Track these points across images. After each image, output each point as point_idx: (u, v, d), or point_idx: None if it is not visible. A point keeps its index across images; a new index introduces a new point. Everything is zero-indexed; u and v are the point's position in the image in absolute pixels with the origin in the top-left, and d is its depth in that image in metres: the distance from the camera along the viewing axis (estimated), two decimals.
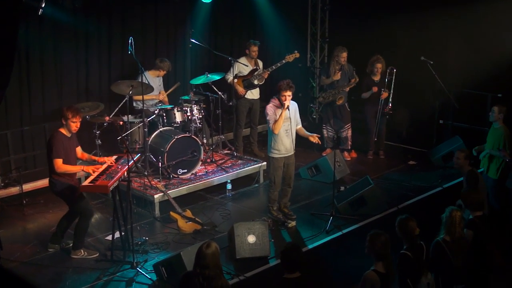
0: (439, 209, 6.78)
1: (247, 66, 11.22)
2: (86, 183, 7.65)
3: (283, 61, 10.99)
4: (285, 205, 9.11)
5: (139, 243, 8.20)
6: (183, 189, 9.65)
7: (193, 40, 10.93)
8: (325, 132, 11.95)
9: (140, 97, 9.78)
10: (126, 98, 9.61)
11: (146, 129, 9.83)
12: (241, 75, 11.23)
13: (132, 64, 10.28)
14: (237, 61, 11.13)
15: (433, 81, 11.58)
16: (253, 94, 11.47)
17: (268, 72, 11.17)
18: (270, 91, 10.70)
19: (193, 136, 10.13)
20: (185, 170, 10.00)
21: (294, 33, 13.58)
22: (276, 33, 13.25)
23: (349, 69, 11.59)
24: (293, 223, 8.96)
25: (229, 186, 10.14)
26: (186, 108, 10.39)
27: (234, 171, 10.42)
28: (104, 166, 8.00)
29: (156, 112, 10.16)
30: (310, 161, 11.12)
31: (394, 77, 11.38)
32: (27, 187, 9.68)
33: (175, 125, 10.32)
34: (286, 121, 8.60)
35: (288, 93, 8.47)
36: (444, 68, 11.81)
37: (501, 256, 7.82)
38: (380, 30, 12.40)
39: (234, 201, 9.95)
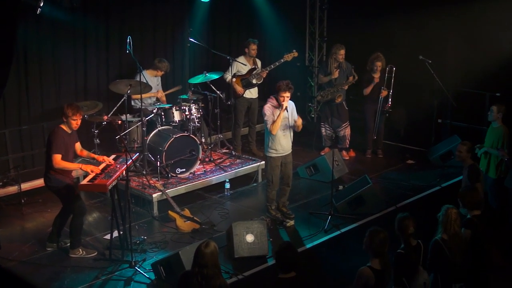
0: (437, 209, 6.78)
1: (245, 65, 11.22)
2: (84, 182, 7.66)
3: (282, 60, 10.99)
4: (283, 204, 9.11)
5: (138, 242, 8.20)
6: (181, 188, 9.65)
7: (192, 39, 10.93)
8: (323, 130, 11.95)
9: (138, 96, 9.79)
10: (124, 97, 9.61)
11: (144, 128, 9.83)
12: (240, 74, 11.24)
13: (130, 63, 10.28)
14: (236, 60, 11.13)
15: (432, 80, 11.58)
16: (252, 93, 11.47)
17: (267, 71, 11.17)
18: (269, 90, 10.70)
19: (191, 135, 10.13)
20: (184, 169, 10.00)
21: (292, 32, 13.58)
22: (274, 32, 13.23)
23: (347, 67, 11.59)
24: (292, 222, 8.96)
25: (227, 185, 10.14)
26: (184, 107, 10.39)
27: (233, 170, 10.42)
28: (102, 165, 8.00)
29: (154, 111, 10.16)
30: (308, 160, 11.13)
31: (393, 75, 11.39)
32: (26, 186, 9.67)
33: (174, 124, 10.32)
34: (284, 120, 8.59)
35: (287, 94, 8.47)
36: (442, 67, 11.81)
37: (500, 255, 7.84)
38: (378, 29, 12.40)
39: (233, 200, 9.95)
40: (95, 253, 8.03)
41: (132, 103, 10.49)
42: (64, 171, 7.88)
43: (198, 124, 10.60)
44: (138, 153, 9.22)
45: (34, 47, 10.11)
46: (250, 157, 11.08)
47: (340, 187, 10.10)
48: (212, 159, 10.72)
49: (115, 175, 7.64)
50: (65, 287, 7.30)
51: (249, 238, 7.90)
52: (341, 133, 11.78)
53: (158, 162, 9.68)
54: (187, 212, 9.02)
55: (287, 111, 8.57)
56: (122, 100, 9.68)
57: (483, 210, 7.14)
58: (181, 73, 12.18)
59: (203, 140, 10.94)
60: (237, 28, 13.20)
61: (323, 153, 11.44)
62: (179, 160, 9.87)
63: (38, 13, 9.16)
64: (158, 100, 10.71)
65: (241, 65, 11.19)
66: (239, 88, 11.23)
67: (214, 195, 10.06)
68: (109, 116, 9.83)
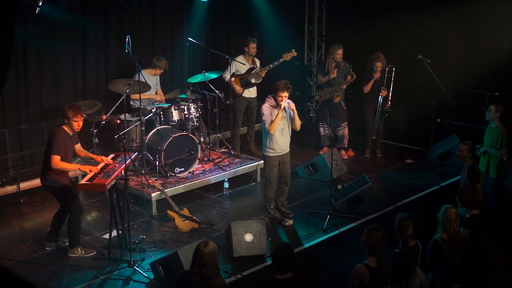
0: (436, 208, 6.78)
1: (244, 64, 11.22)
2: (83, 181, 7.67)
3: (281, 60, 11.00)
4: (282, 203, 9.11)
5: (136, 241, 8.20)
6: (180, 188, 9.65)
7: (190, 39, 10.94)
8: (322, 130, 11.96)
9: (137, 97, 9.79)
10: (123, 97, 9.61)
11: (143, 128, 9.84)
12: (239, 73, 11.24)
13: (129, 62, 10.27)
14: (235, 60, 11.14)
15: (430, 80, 11.58)
16: (250, 92, 11.48)
17: (266, 71, 11.18)
18: (267, 90, 10.69)
19: (190, 134, 10.14)
20: (182, 169, 10.00)
21: (291, 31, 13.58)
22: (273, 32, 13.25)
23: (345, 66, 11.59)
24: (290, 222, 8.97)
25: (226, 185, 10.13)
26: (183, 107, 10.39)
27: (231, 169, 10.42)
28: (101, 165, 8.00)
29: (153, 110, 10.16)
30: (307, 159, 11.13)
31: (393, 75, 11.39)
32: (24, 185, 9.67)
33: (172, 123, 10.32)
34: (282, 120, 8.59)
35: (285, 94, 8.46)
36: (441, 66, 11.81)
37: (499, 255, 7.83)
38: (377, 28, 12.39)
39: (231, 200, 9.95)
40: (94, 253, 8.03)
41: (131, 102, 10.49)
42: (61, 172, 7.88)
43: (197, 124, 10.60)
44: (137, 153, 9.21)
45: (33, 46, 10.12)
46: (249, 157, 11.08)
47: (339, 187, 10.11)
48: (211, 158, 10.73)
49: (114, 175, 7.64)
50: (64, 286, 7.30)
51: (248, 237, 7.91)
52: (339, 132, 11.79)
53: (157, 162, 9.68)
54: (186, 212, 9.02)
55: (285, 110, 8.58)
56: (121, 99, 9.68)
57: (481, 210, 7.14)
58: (180, 73, 12.19)
59: (202, 139, 10.95)
60: (236, 27, 13.22)
61: (322, 153, 11.45)
62: (178, 160, 9.87)
63: (37, 12, 9.18)
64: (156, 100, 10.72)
65: (240, 65, 11.19)
66: (238, 88, 11.23)
67: (213, 194, 10.06)
68: (108, 115, 9.83)
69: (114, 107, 9.97)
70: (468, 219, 6.97)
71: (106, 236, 8.18)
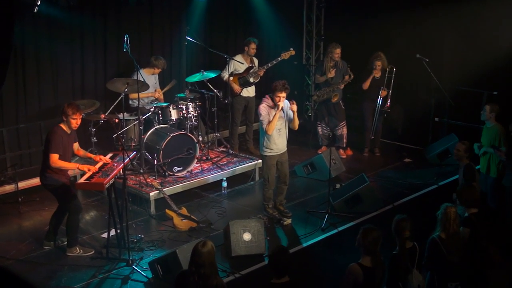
0: (434, 207, 6.79)
1: (242, 64, 11.22)
2: (82, 180, 7.66)
3: (279, 59, 10.99)
4: (280, 202, 9.11)
5: (135, 240, 8.20)
6: (178, 187, 9.65)
7: (189, 38, 10.93)
8: (320, 130, 11.97)
9: (135, 95, 9.79)
10: (121, 96, 9.61)
11: (141, 127, 9.83)
12: (237, 73, 11.24)
13: (127, 62, 10.28)
14: (233, 59, 11.14)
15: (429, 79, 11.60)
16: (249, 92, 11.48)
17: (264, 70, 11.18)
18: (266, 89, 10.72)
19: (188, 133, 10.13)
20: (181, 168, 10.00)
21: (289, 30, 13.58)
22: (271, 31, 13.25)
23: (343, 65, 11.59)
24: (289, 221, 8.97)
25: (224, 184, 10.14)
26: (181, 106, 10.39)
27: (230, 168, 10.42)
28: (99, 164, 7.99)
29: (151, 109, 10.16)
30: (305, 159, 11.13)
31: (394, 76, 11.39)
32: (23, 184, 9.67)
33: (171, 122, 10.32)
34: (279, 120, 8.59)
35: (283, 95, 8.46)
36: (439, 65, 11.83)
37: (498, 254, 7.84)
38: (375, 27, 12.40)
39: (230, 199, 9.95)
40: (92, 252, 8.03)
41: (130, 101, 10.49)
42: (60, 170, 7.88)
43: (195, 123, 10.60)
44: (135, 152, 9.22)
45: (32, 45, 10.11)
46: (247, 156, 11.08)
47: (337, 186, 10.11)
48: (209, 157, 10.73)
49: (112, 174, 7.64)
50: (63, 285, 7.29)
51: (246, 236, 7.91)
52: (338, 132, 11.79)
53: (155, 161, 9.68)
54: (184, 211, 9.02)
55: (283, 110, 8.58)
56: (120, 98, 9.68)
57: (480, 209, 7.15)
58: (178, 72, 12.18)
59: (200, 138, 10.95)
60: (234, 26, 13.21)
61: (320, 152, 11.45)
62: (176, 159, 9.87)
63: (35, 11, 9.17)
64: (156, 99, 10.72)
65: (238, 64, 11.19)
66: (236, 87, 11.23)
67: (211, 193, 10.06)
68: (106, 114, 9.83)
69: (113, 106, 9.97)
70: (468, 218, 6.98)
71: (105, 235, 8.19)
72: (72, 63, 10.72)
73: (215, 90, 10.80)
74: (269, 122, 8.50)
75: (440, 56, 12.02)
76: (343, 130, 11.78)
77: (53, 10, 9.85)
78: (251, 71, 11.20)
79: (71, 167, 8.01)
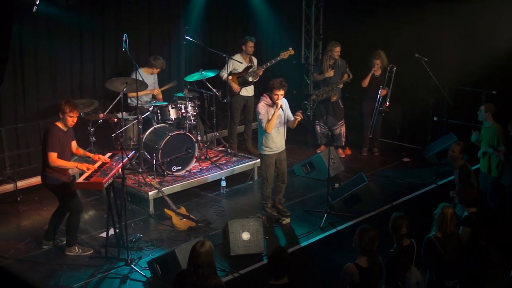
0: (433, 206, 6.80)
1: (241, 63, 11.21)
2: (80, 180, 7.66)
3: (278, 58, 11.00)
4: (279, 201, 9.11)
5: (134, 240, 8.21)
6: (177, 186, 9.65)
7: (188, 37, 10.92)
8: (318, 129, 11.96)
9: (134, 94, 9.78)
10: (120, 95, 9.61)
11: (140, 126, 9.83)
12: (236, 72, 11.23)
13: (126, 61, 10.27)
14: (232, 58, 11.14)
15: (428, 78, 11.59)
16: (248, 91, 11.48)
17: (263, 69, 11.18)
18: (265, 88, 10.68)
19: (187, 133, 10.13)
20: (180, 167, 10.00)
21: (288, 30, 13.57)
22: (270, 30, 13.25)
23: (342, 64, 11.58)
24: (288, 220, 8.98)
25: (223, 183, 10.14)
26: (180, 105, 10.40)
27: (229, 168, 10.42)
28: (98, 163, 7.99)
29: (150, 109, 10.16)
30: (304, 158, 11.13)
31: (394, 75, 11.39)
32: (22, 184, 9.66)
33: (170, 122, 10.32)
34: (278, 118, 8.59)
35: (281, 92, 8.46)
36: (438, 65, 11.81)
37: (497, 253, 7.85)
38: (374, 26, 12.38)
39: (229, 198, 9.95)
40: (91, 251, 8.03)
41: (129, 100, 10.49)
42: (60, 169, 7.88)
43: (194, 122, 10.60)
44: (134, 151, 9.22)
45: (30, 45, 10.10)
46: (246, 155, 11.08)
47: (336, 185, 10.11)
48: (208, 157, 10.72)
49: (111, 173, 7.64)
50: (61, 285, 7.29)
51: (245, 236, 7.91)
52: (336, 131, 11.78)
53: (154, 160, 9.68)
54: (183, 210, 9.02)
55: (282, 109, 8.58)
56: (118, 98, 9.68)
57: (479, 209, 7.17)
58: (177, 71, 12.18)
59: (199, 138, 10.94)
60: (233, 26, 13.21)
61: (319, 151, 11.45)
62: (175, 158, 9.87)
63: (34, 11, 9.16)
64: (154, 97, 10.72)
65: (237, 63, 11.18)
66: (235, 86, 11.23)
67: (210, 193, 10.06)
68: (105, 114, 9.82)
69: (111, 106, 9.97)
70: (468, 217, 7.00)
71: (103, 234, 8.19)
72: (71, 62, 10.72)
73: (214, 90, 10.79)
74: (268, 120, 8.50)
75: (439, 55, 12.00)
76: (341, 129, 11.77)
77: (52, 9, 9.85)
78: (250, 70, 11.20)
79: (70, 166, 8.01)
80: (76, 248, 7.99)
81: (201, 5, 11.99)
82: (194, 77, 10.71)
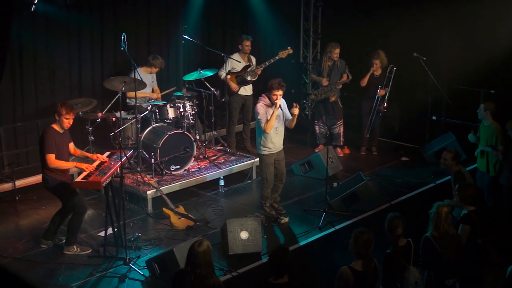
0: (431, 206, 6.81)
1: (240, 62, 11.21)
2: (79, 179, 7.65)
3: (276, 57, 11.00)
4: (275, 200, 9.11)
5: (132, 239, 8.21)
6: (175, 185, 9.65)
7: (186, 36, 10.92)
8: (317, 128, 11.95)
9: (132, 93, 9.78)
10: (118, 94, 9.61)
11: (139, 125, 9.83)
12: (234, 71, 11.24)
13: (124, 60, 10.27)
14: (230, 57, 11.14)
15: (426, 77, 11.59)
16: (246, 90, 11.48)
17: (261, 69, 11.18)
18: (263, 88, 10.67)
19: (186, 132, 10.13)
20: (178, 166, 10.00)
21: (287, 29, 13.58)
22: (269, 29, 13.25)
23: (342, 64, 11.58)
24: (286, 219, 8.98)
25: (221, 182, 10.14)
26: (179, 104, 10.39)
27: (227, 167, 10.42)
28: (96, 163, 7.99)
29: (149, 108, 10.16)
30: (302, 157, 11.12)
31: (393, 75, 11.39)
32: (20, 183, 9.65)
33: (168, 121, 10.32)
34: (276, 118, 8.59)
35: (280, 93, 8.46)
36: (436, 64, 11.82)
37: (495, 251, 7.87)
38: (373, 26, 12.39)
39: (227, 197, 9.95)
40: (90, 250, 8.04)
41: (127, 100, 10.49)
42: (60, 171, 7.87)
43: (193, 121, 10.60)
44: (132, 150, 9.22)
45: (29, 44, 10.10)
46: (245, 154, 11.08)
47: (335, 184, 10.11)
48: (206, 156, 10.72)
49: (110, 172, 7.64)
50: (60, 284, 7.29)
51: (244, 235, 7.91)
52: (335, 130, 11.78)
53: (153, 159, 9.68)
54: (181, 209, 9.02)
55: (281, 108, 8.58)
56: (117, 97, 9.68)
57: (477, 208, 7.19)
58: (175, 70, 12.18)
59: (198, 137, 10.94)
60: (232, 25, 13.20)
61: (317, 150, 11.45)
62: (173, 157, 9.87)
63: (32, 10, 9.17)
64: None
65: (236, 62, 11.19)
66: (233, 85, 11.23)
67: (209, 192, 10.06)
68: (103, 113, 9.82)
69: (110, 105, 9.97)
70: (468, 215, 7.03)
71: (102, 233, 8.18)
72: (69, 61, 10.71)
73: (212, 89, 10.80)
74: (267, 121, 8.50)
75: (437, 54, 12.01)
76: (340, 129, 11.77)
77: (50, 8, 9.85)
78: (249, 69, 11.20)
79: (69, 166, 8.01)
80: (75, 247, 7.99)
81: (200, 4, 11.99)
82: (192, 76, 10.71)
